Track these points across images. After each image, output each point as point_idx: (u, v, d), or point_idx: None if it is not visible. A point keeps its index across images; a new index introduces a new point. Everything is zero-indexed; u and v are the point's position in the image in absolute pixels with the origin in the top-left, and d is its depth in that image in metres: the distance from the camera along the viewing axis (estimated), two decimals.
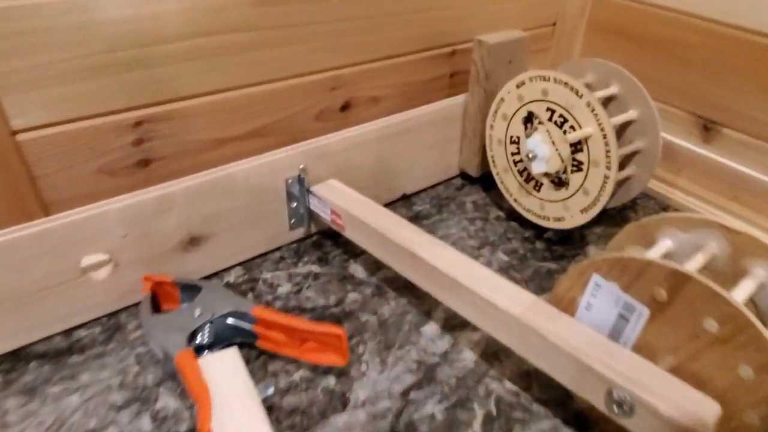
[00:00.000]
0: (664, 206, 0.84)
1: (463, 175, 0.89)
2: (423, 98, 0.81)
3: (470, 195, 0.85)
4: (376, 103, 0.77)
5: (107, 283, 0.59)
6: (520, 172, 0.74)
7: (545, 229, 0.77)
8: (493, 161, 0.77)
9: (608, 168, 0.63)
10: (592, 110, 0.62)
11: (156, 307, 0.59)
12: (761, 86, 0.73)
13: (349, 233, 0.66)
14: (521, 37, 0.77)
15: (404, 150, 0.79)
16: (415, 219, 0.79)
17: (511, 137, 0.73)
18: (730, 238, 0.47)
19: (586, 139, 0.64)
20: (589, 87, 0.71)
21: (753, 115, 0.75)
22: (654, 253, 0.50)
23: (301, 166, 0.68)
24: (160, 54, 0.56)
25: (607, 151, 0.62)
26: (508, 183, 0.76)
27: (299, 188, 0.69)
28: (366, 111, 0.76)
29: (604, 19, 0.88)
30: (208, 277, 0.67)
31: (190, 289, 0.59)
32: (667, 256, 0.50)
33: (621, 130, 0.70)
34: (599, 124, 0.62)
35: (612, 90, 0.68)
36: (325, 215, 0.68)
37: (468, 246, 0.74)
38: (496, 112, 0.74)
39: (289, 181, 0.68)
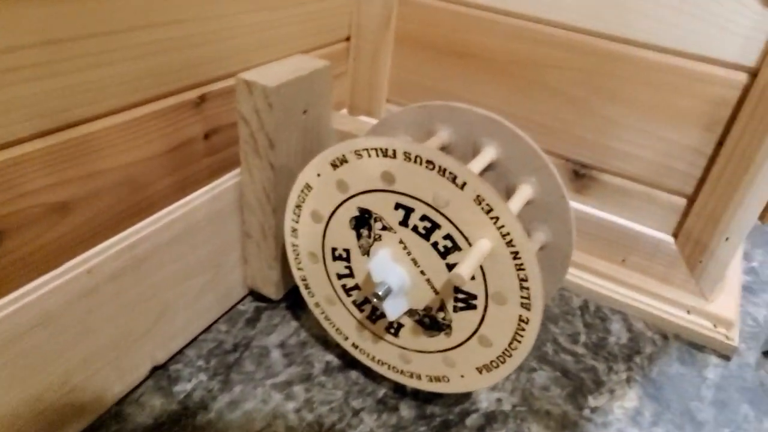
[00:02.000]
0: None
1: (255, 293, 0.55)
2: (159, 186, 0.45)
3: (274, 331, 0.51)
4: (64, 216, 0.38)
5: None
6: (358, 305, 0.43)
7: None
8: (307, 286, 0.45)
9: (526, 307, 0.35)
10: (488, 211, 0.34)
11: None
12: (644, 113, 0.54)
13: None
14: (318, 67, 0.45)
15: (137, 298, 0.42)
16: (185, 416, 0.43)
17: (334, 250, 0.42)
18: None
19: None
20: (448, 152, 0.43)
21: (631, 151, 0.56)
22: None
23: None
24: None
25: (522, 281, 0.35)
26: (339, 321, 0.45)
27: None
28: (42, 236, 0.37)
29: (419, 31, 0.62)
30: None
31: None
32: None
33: None
34: (504, 234, 0.34)
35: (488, 155, 0.41)
36: None
37: None
38: (299, 207, 0.42)
39: None
